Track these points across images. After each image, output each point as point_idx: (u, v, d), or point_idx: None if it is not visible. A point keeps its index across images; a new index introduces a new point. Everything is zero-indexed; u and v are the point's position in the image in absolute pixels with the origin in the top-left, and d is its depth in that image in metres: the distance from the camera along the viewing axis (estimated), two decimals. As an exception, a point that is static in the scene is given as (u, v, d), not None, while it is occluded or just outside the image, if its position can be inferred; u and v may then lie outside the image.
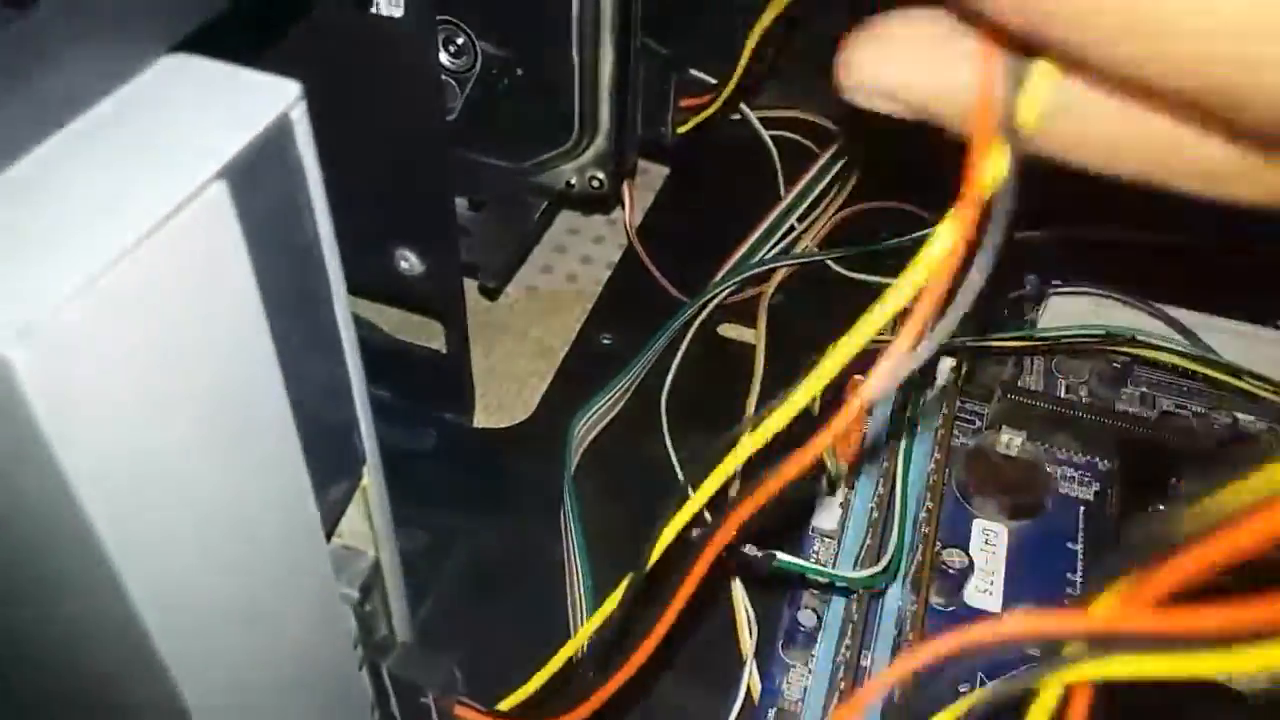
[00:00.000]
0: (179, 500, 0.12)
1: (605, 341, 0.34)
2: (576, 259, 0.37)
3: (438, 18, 0.28)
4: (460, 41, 0.29)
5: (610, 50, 0.28)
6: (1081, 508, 0.28)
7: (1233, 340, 0.30)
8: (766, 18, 0.32)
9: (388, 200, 0.27)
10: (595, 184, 0.31)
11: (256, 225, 0.12)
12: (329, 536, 0.16)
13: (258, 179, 0.11)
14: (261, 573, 0.14)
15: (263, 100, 0.12)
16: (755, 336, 0.33)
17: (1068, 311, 0.31)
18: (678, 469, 0.30)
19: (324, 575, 0.16)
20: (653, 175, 0.40)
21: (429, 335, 0.31)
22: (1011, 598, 0.26)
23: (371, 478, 0.17)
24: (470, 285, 0.32)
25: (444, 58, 0.29)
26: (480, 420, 0.32)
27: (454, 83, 0.30)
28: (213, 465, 0.12)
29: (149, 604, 0.11)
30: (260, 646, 0.15)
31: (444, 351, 0.30)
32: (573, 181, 0.31)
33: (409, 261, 0.28)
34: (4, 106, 0.10)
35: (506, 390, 0.33)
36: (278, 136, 0.12)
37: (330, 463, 0.15)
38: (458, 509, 0.30)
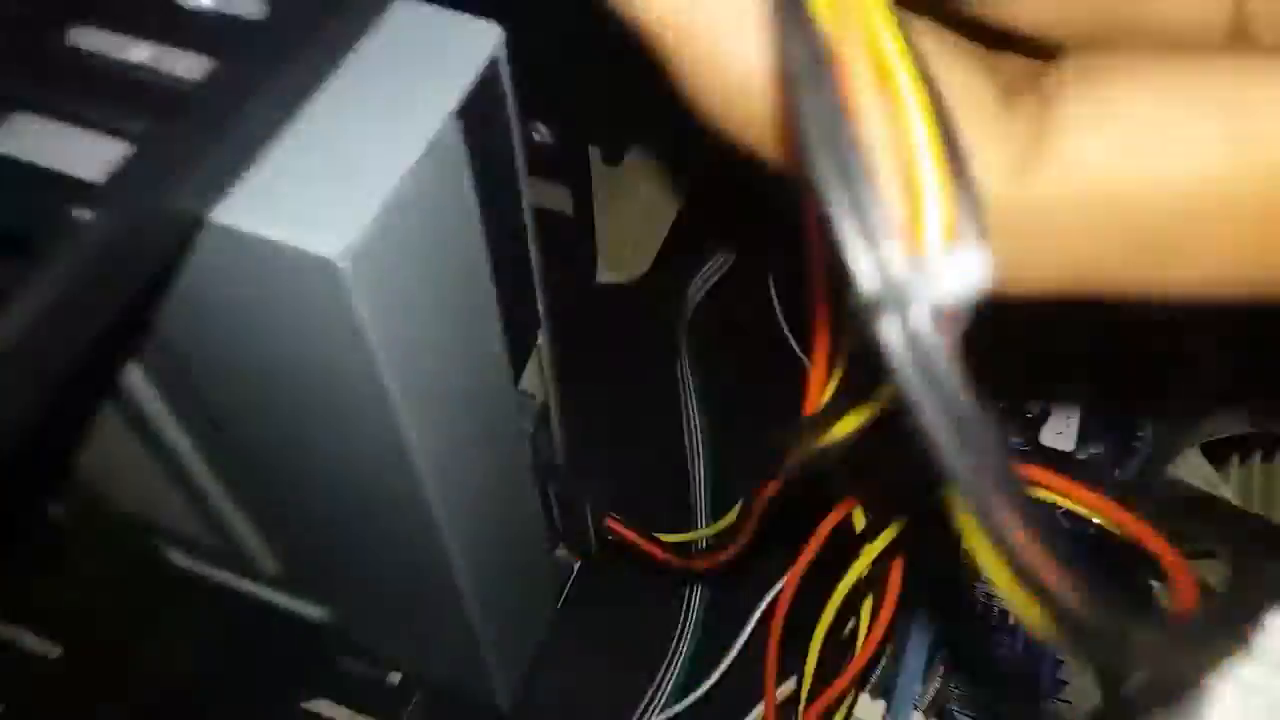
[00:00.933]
0: (435, 359, 0.15)
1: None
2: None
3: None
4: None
5: None
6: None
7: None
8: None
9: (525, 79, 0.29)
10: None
11: (477, 151, 0.15)
12: (516, 383, 0.20)
13: (478, 112, 0.15)
14: (477, 411, 0.18)
15: (477, 44, 0.15)
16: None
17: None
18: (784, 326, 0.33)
19: (511, 413, 0.20)
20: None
21: (557, 200, 0.35)
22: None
23: (544, 338, 0.21)
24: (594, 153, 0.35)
25: None
26: (603, 276, 0.35)
27: None
28: (456, 335, 0.16)
29: (414, 432, 0.16)
30: (470, 464, 0.19)
31: (569, 214, 0.33)
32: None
33: (540, 133, 0.31)
34: (294, 61, 0.14)
35: (626, 248, 0.36)
36: (490, 75, 0.15)
37: (519, 329, 0.19)
38: (589, 358, 0.34)
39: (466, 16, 0.15)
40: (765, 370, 0.32)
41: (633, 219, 0.36)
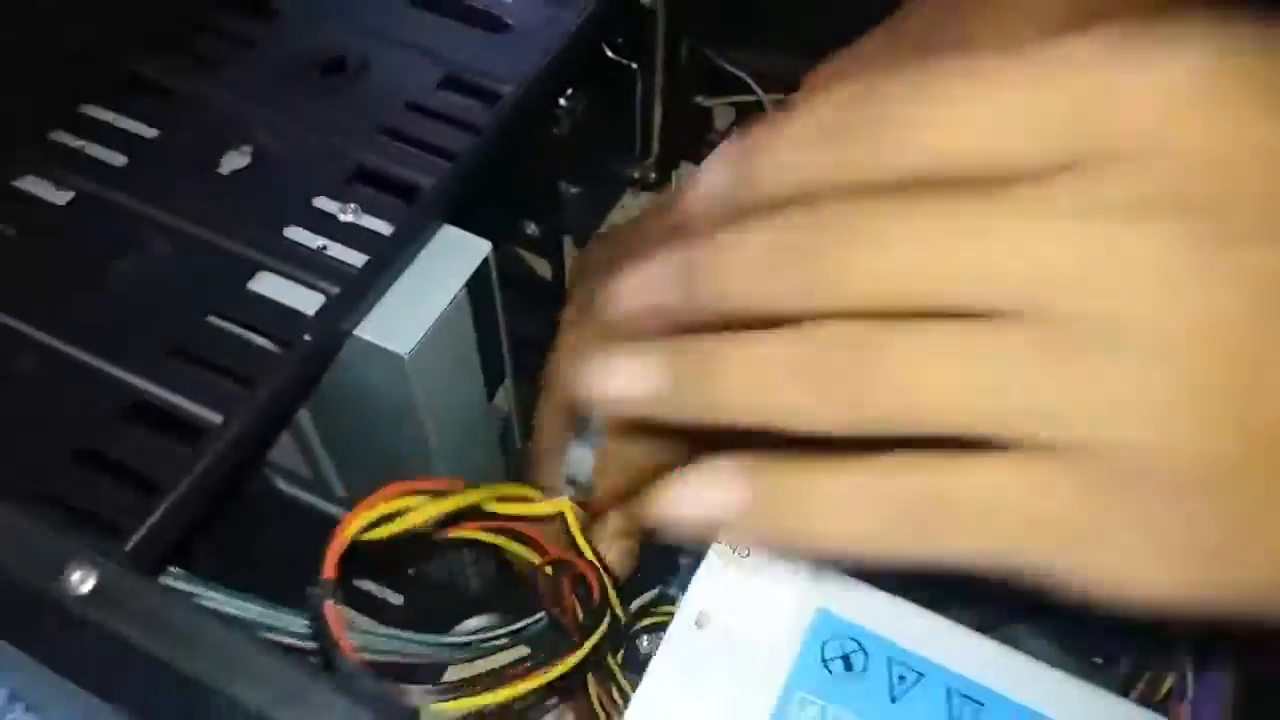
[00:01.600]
0: (453, 400, 0.31)
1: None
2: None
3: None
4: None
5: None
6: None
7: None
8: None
9: (524, 198, 0.45)
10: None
11: (476, 303, 0.31)
12: (490, 399, 0.36)
13: (476, 285, 0.31)
14: (469, 416, 0.34)
15: (477, 249, 0.31)
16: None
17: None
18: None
19: (487, 423, 0.36)
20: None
21: (543, 269, 0.51)
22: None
23: (508, 380, 0.37)
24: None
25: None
26: (569, 318, 0.51)
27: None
28: (461, 387, 0.32)
29: (439, 446, 0.32)
30: (462, 445, 0.35)
31: (549, 278, 0.49)
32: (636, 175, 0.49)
33: (531, 228, 0.47)
34: (401, 256, 0.29)
35: (587, 299, 0.52)
36: (484, 267, 0.31)
37: (493, 379, 0.35)
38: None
39: (474, 237, 0.31)
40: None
41: (592, 281, 0.52)
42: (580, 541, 0.27)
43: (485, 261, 0.31)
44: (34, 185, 0.31)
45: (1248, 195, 0.15)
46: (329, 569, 0.23)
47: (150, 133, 0.32)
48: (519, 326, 0.50)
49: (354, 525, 0.24)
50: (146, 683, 0.22)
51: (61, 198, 0.31)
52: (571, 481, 0.28)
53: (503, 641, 0.28)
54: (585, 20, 0.36)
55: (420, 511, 0.25)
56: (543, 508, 0.27)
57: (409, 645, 0.26)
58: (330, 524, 0.41)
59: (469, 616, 0.38)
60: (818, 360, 0.16)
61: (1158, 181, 0.15)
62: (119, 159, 0.32)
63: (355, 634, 0.24)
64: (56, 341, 0.27)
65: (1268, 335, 0.15)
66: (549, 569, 0.28)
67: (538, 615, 0.28)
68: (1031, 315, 0.15)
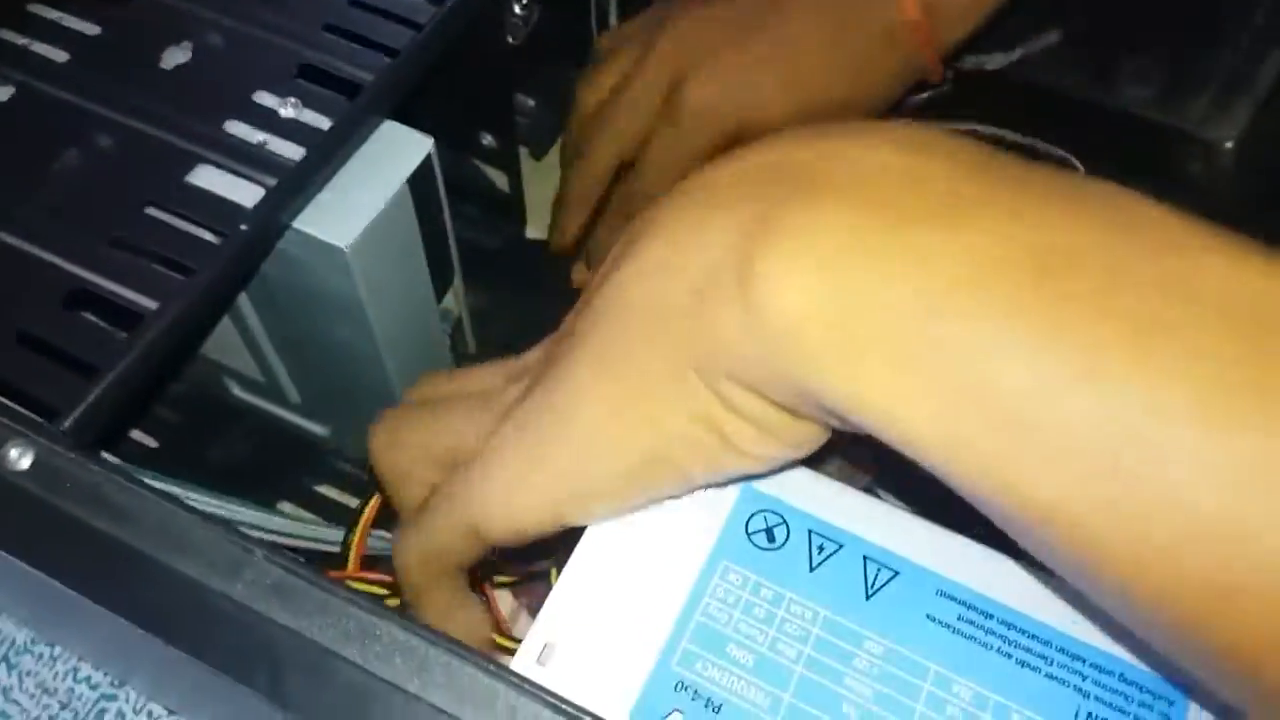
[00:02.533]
0: (398, 297, 0.32)
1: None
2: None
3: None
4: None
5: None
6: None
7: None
8: None
9: (479, 108, 0.45)
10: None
11: (418, 197, 0.31)
12: (439, 301, 0.37)
13: (419, 182, 0.31)
14: (418, 318, 0.34)
15: (420, 145, 0.31)
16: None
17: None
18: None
19: (436, 323, 0.37)
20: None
21: (501, 181, 0.51)
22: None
23: (458, 280, 0.37)
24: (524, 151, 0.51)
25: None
26: (529, 234, 0.51)
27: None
28: (406, 282, 0.32)
29: (379, 330, 0.32)
30: (413, 346, 0.35)
31: (507, 191, 0.49)
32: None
33: (488, 139, 0.47)
34: (342, 150, 0.29)
35: (543, 216, 0.52)
36: (426, 163, 0.31)
37: (442, 277, 0.35)
38: (508, 283, 0.50)
39: (416, 133, 0.31)
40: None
41: (549, 195, 0.52)
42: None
43: (428, 157, 0.31)
44: (-27, 81, 0.31)
45: None
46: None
47: (93, 30, 0.32)
48: (477, 237, 0.50)
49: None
50: (85, 556, 0.22)
51: (3, 93, 0.31)
52: None
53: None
54: (532, -83, 0.35)
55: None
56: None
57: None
58: (284, 430, 0.41)
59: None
60: None
61: None
62: (61, 55, 0.32)
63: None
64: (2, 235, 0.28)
65: None
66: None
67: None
68: None
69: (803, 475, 0.25)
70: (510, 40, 0.46)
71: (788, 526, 0.24)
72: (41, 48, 0.32)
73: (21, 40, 0.32)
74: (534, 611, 0.41)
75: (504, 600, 0.42)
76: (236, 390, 0.42)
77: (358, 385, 0.36)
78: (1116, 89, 0.53)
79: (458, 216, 0.36)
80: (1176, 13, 0.51)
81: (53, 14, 0.33)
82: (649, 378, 0.21)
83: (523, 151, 0.49)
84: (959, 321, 0.17)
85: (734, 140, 0.38)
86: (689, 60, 0.39)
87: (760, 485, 0.24)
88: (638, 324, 0.21)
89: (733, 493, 0.24)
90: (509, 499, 0.23)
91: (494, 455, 0.23)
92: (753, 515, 0.24)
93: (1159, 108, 0.53)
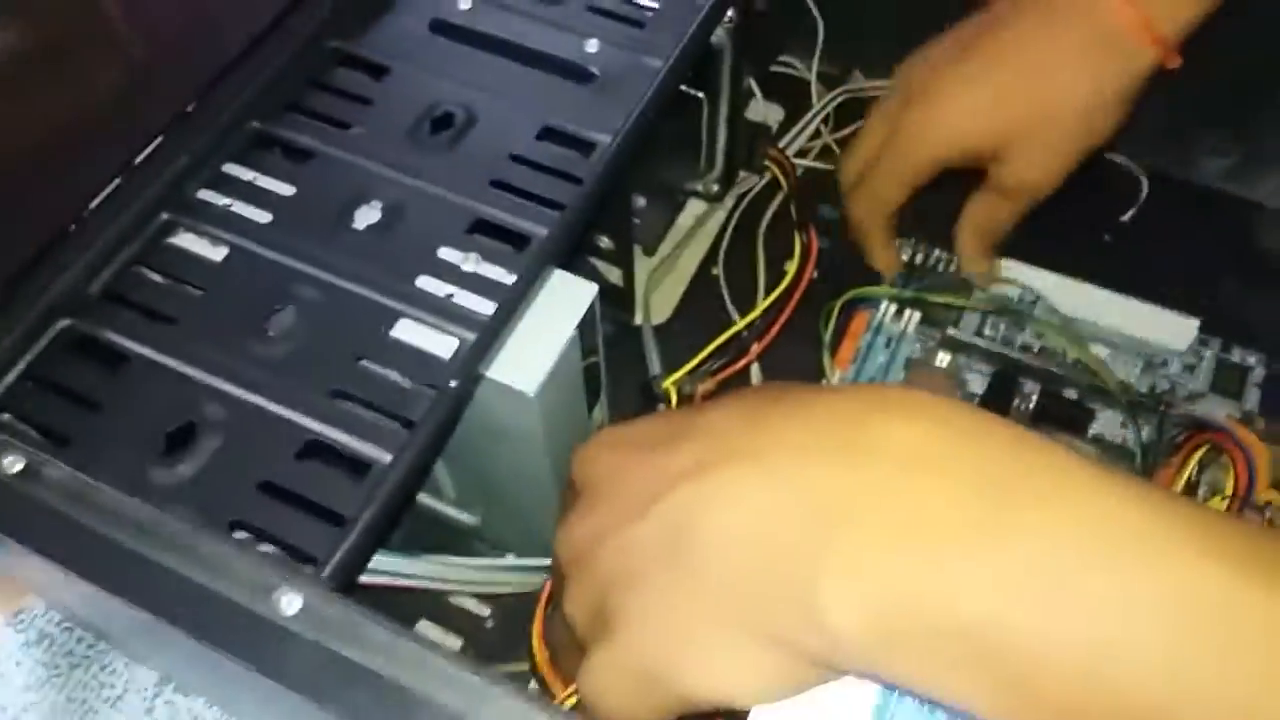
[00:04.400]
0: (566, 425, 0.36)
1: (714, 272, 0.56)
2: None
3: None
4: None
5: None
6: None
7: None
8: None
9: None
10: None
11: (584, 340, 0.35)
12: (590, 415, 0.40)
13: (585, 324, 0.35)
14: (576, 433, 0.38)
15: (587, 292, 0.35)
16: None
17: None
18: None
19: (590, 430, 0.41)
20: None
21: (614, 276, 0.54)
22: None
23: (604, 397, 0.41)
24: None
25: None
26: (637, 320, 0.55)
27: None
28: (572, 413, 0.36)
29: (552, 464, 0.36)
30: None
31: (620, 285, 0.53)
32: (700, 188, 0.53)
33: (604, 241, 0.51)
34: (521, 303, 0.33)
35: (655, 304, 0.56)
36: (591, 309, 0.35)
37: (592, 398, 0.39)
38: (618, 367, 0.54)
39: (582, 280, 0.35)
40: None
41: (658, 287, 0.56)
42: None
43: (593, 303, 0.35)
44: (191, 242, 0.35)
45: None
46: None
47: (288, 190, 0.36)
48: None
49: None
50: (351, 688, 0.26)
51: (218, 254, 0.35)
52: None
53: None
54: (667, 71, 0.39)
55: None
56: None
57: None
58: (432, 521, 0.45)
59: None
60: None
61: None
62: (264, 216, 0.36)
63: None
64: (233, 388, 0.32)
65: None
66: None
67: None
68: None
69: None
70: (627, 151, 0.50)
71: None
72: (243, 208, 0.36)
73: (223, 201, 0.36)
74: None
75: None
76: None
77: (517, 491, 0.40)
78: (1195, 160, 0.56)
79: None
80: (1246, 90, 0.54)
81: (248, 174, 0.37)
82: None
83: (635, 249, 0.53)
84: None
85: (956, 158, 0.44)
86: (915, 90, 0.44)
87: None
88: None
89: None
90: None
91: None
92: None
93: (1235, 181, 0.56)
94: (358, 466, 0.30)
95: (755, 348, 0.48)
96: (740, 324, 0.47)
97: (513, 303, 0.33)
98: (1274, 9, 0.49)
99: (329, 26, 0.41)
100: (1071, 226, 0.54)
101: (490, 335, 0.33)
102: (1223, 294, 0.49)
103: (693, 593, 0.25)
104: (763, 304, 0.49)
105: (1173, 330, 0.47)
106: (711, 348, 0.46)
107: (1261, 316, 0.48)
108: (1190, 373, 0.47)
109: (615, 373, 0.53)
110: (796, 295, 0.49)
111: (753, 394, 0.29)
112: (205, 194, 0.37)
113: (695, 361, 0.45)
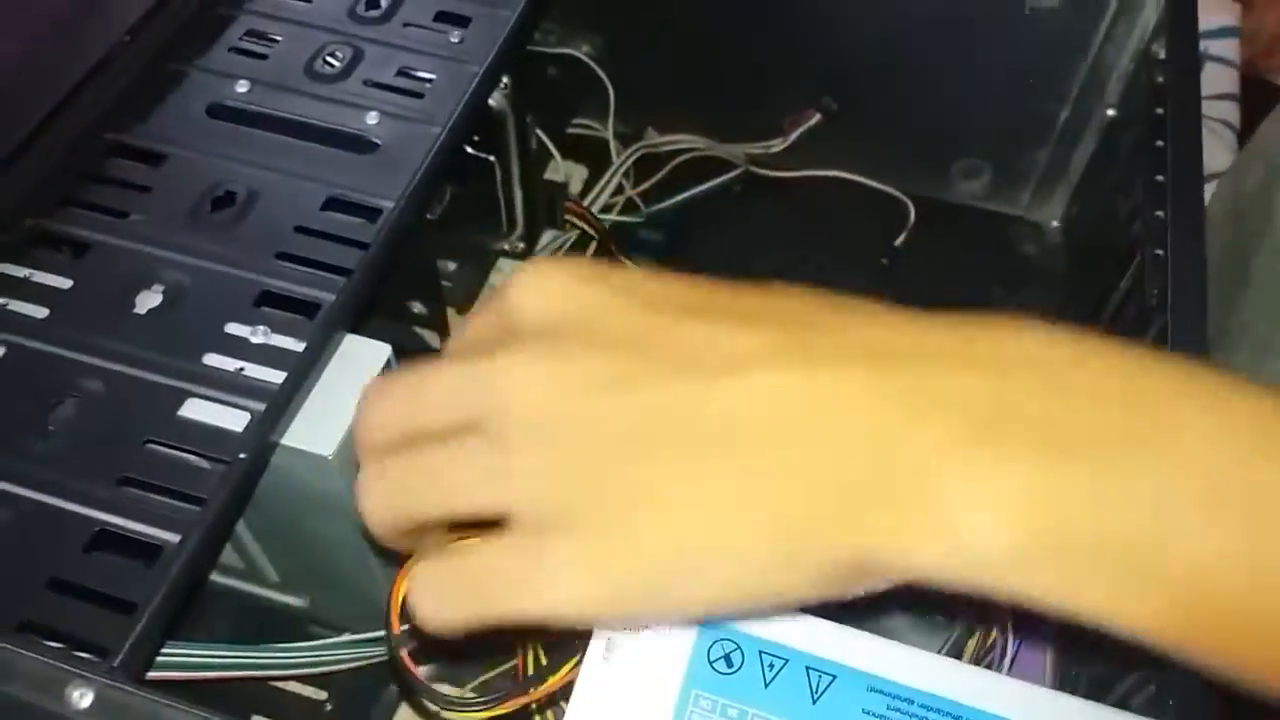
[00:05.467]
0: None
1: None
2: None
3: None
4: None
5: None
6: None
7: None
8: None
9: (407, 280, 0.50)
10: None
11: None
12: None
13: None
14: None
15: (379, 353, 0.35)
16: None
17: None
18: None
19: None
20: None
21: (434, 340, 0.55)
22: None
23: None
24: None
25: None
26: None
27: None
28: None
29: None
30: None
31: (438, 348, 0.54)
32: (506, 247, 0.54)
33: (417, 306, 0.52)
34: (315, 369, 0.34)
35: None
36: (386, 369, 0.35)
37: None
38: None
39: (375, 342, 0.35)
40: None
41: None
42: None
43: (388, 362, 0.35)
44: (-37, 346, 0.34)
45: None
46: (393, 626, 0.29)
47: (65, 283, 0.36)
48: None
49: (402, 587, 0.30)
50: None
51: (-6, 354, 0.34)
52: None
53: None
54: (446, 134, 0.41)
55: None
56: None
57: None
58: (265, 610, 0.45)
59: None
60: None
61: None
62: (40, 311, 0.35)
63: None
64: (15, 488, 0.31)
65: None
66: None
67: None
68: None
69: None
70: (429, 217, 0.51)
71: (742, 651, 0.29)
72: (19, 305, 0.35)
73: (-1, 300, 0.36)
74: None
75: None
76: (213, 576, 0.45)
77: (337, 562, 0.40)
78: (953, 183, 0.61)
79: None
80: (993, 117, 0.60)
81: (22, 272, 0.36)
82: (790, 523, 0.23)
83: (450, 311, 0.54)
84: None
85: None
86: None
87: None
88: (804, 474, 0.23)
89: (692, 630, 0.29)
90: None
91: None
92: (712, 645, 0.29)
93: (993, 199, 0.61)
94: (148, 551, 0.30)
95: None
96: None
97: (303, 370, 0.34)
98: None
99: (102, 120, 0.40)
100: (853, 254, 0.58)
101: (281, 403, 0.33)
102: (994, 300, 0.54)
103: (752, 489, 0.22)
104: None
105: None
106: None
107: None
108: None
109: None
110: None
111: (816, 294, 0.26)
112: (-23, 296, 0.36)
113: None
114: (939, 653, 0.36)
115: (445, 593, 0.25)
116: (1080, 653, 0.42)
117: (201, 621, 0.46)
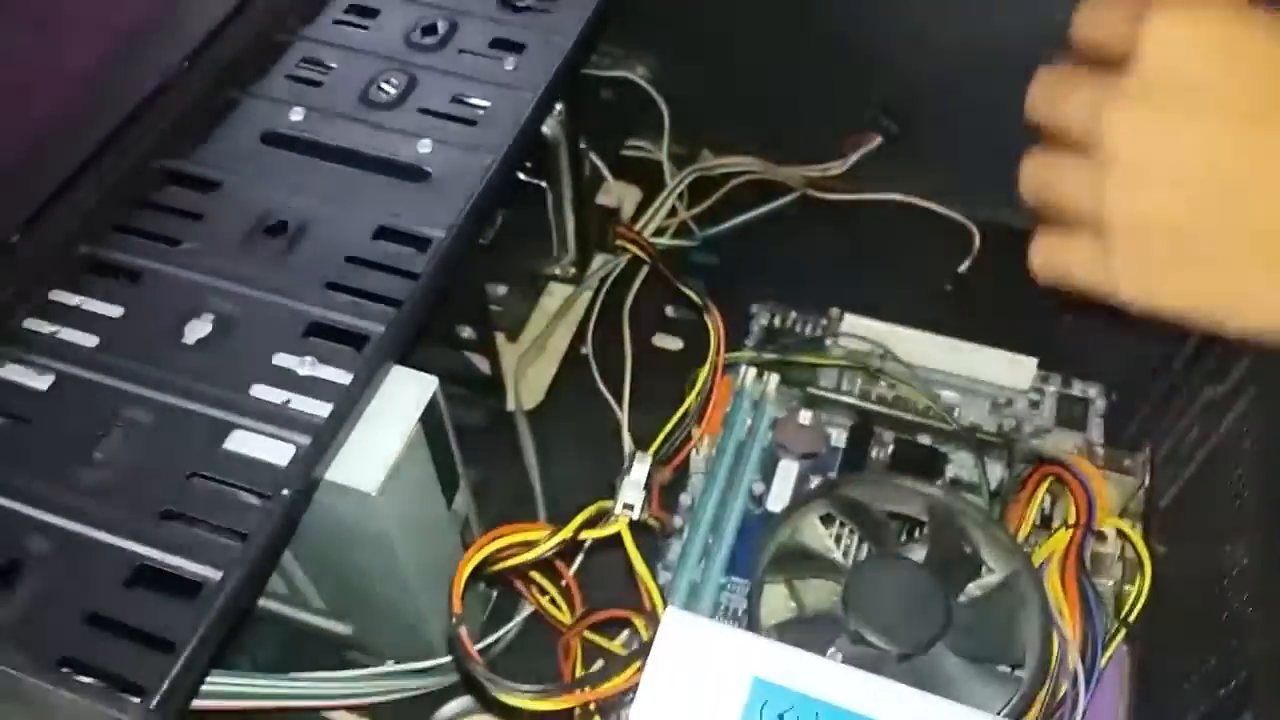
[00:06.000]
0: (418, 520, 0.35)
1: (584, 352, 0.57)
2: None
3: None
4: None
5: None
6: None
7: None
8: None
9: (457, 305, 0.49)
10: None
11: (430, 433, 0.35)
12: (449, 507, 0.40)
13: (429, 417, 0.34)
14: (432, 526, 0.38)
15: (426, 386, 0.35)
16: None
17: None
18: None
19: (448, 528, 0.40)
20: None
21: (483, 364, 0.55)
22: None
23: (463, 484, 0.41)
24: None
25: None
26: (509, 407, 0.55)
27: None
28: (423, 507, 0.36)
29: (402, 550, 0.35)
30: (429, 553, 0.39)
31: (488, 373, 0.53)
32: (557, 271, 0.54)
33: (467, 331, 0.51)
34: (359, 404, 0.33)
35: (526, 389, 0.56)
36: (433, 402, 0.35)
37: (449, 488, 0.39)
38: (495, 455, 0.53)
39: (422, 374, 0.35)
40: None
41: (527, 372, 0.56)
42: (632, 553, 0.36)
43: (434, 395, 0.35)
44: (16, 373, 0.34)
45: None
46: (456, 605, 0.33)
47: (116, 311, 0.36)
48: (466, 417, 0.54)
49: (468, 567, 0.34)
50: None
51: (43, 383, 0.34)
52: (628, 506, 0.36)
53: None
54: (499, 163, 0.40)
55: (540, 545, 0.35)
56: (609, 529, 0.36)
57: None
58: (309, 636, 0.44)
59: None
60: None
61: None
62: (90, 340, 0.35)
63: None
64: (58, 519, 0.31)
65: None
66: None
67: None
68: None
69: (806, 660, 0.28)
70: (481, 242, 0.50)
71: (797, 712, 0.27)
72: (70, 334, 0.35)
73: (49, 328, 0.36)
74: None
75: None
76: (261, 601, 0.45)
77: (381, 594, 0.39)
78: (1018, 210, 0.59)
79: (448, 400, 0.39)
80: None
81: (74, 299, 0.36)
82: None
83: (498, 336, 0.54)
84: None
85: None
86: None
87: (767, 675, 0.28)
88: None
89: (745, 684, 0.28)
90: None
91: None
92: (765, 704, 0.28)
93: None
94: (189, 588, 0.29)
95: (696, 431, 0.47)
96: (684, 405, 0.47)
97: (349, 403, 0.33)
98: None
99: (158, 146, 0.41)
100: (914, 280, 0.56)
101: (326, 438, 0.32)
102: (1059, 331, 0.52)
103: None
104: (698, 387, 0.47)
105: (1014, 371, 0.49)
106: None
107: (1097, 350, 0.50)
108: (1035, 409, 0.49)
109: (490, 459, 0.53)
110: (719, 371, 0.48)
111: None
112: (31, 323, 0.36)
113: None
114: (1005, 708, 0.35)
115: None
116: (1157, 710, 0.39)
117: (246, 646, 0.46)
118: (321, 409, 0.33)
